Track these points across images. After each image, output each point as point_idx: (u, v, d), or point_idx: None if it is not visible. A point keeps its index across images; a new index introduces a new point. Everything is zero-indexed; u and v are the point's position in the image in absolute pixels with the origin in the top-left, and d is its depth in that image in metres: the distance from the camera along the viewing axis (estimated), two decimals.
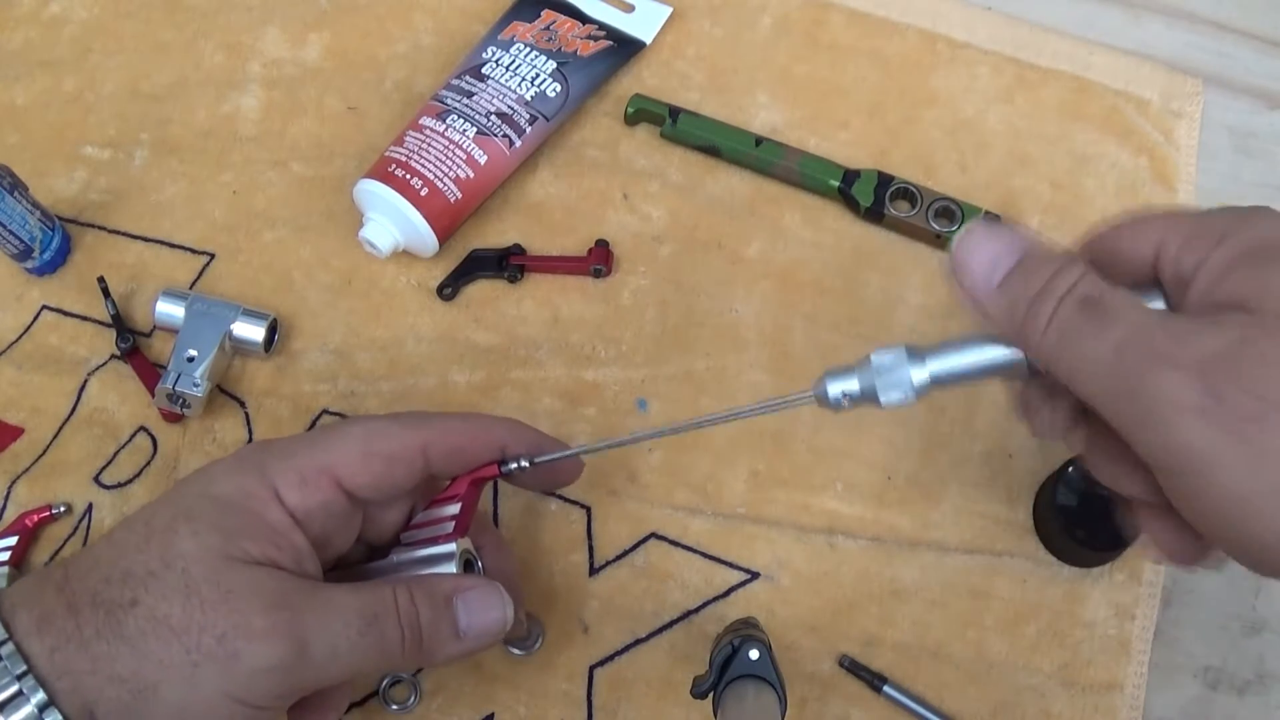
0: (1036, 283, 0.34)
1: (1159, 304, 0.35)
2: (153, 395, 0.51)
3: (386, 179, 0.53)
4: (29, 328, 0.54)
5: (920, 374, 0.37)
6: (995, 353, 0.37)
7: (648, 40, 0.60)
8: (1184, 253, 0.34)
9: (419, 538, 0.42)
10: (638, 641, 0.49)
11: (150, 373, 0.52)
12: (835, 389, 0.38)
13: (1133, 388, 0.31)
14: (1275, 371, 0.30)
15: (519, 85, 0.56)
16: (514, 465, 0.42)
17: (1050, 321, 0.33)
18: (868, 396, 0.38)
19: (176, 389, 0.50)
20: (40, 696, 0.34)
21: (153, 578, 0.36)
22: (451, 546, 0.41)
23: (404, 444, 0.41)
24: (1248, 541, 0.31)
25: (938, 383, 0.37)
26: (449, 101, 0.55)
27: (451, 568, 0.41)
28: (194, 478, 0.40)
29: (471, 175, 0.54)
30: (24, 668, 0.35)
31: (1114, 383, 0.32)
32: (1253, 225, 0.33)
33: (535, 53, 0.57)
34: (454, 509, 0.42)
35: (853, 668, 0.48)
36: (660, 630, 0.49)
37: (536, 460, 0.42)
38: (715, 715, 0.41)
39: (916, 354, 0.37)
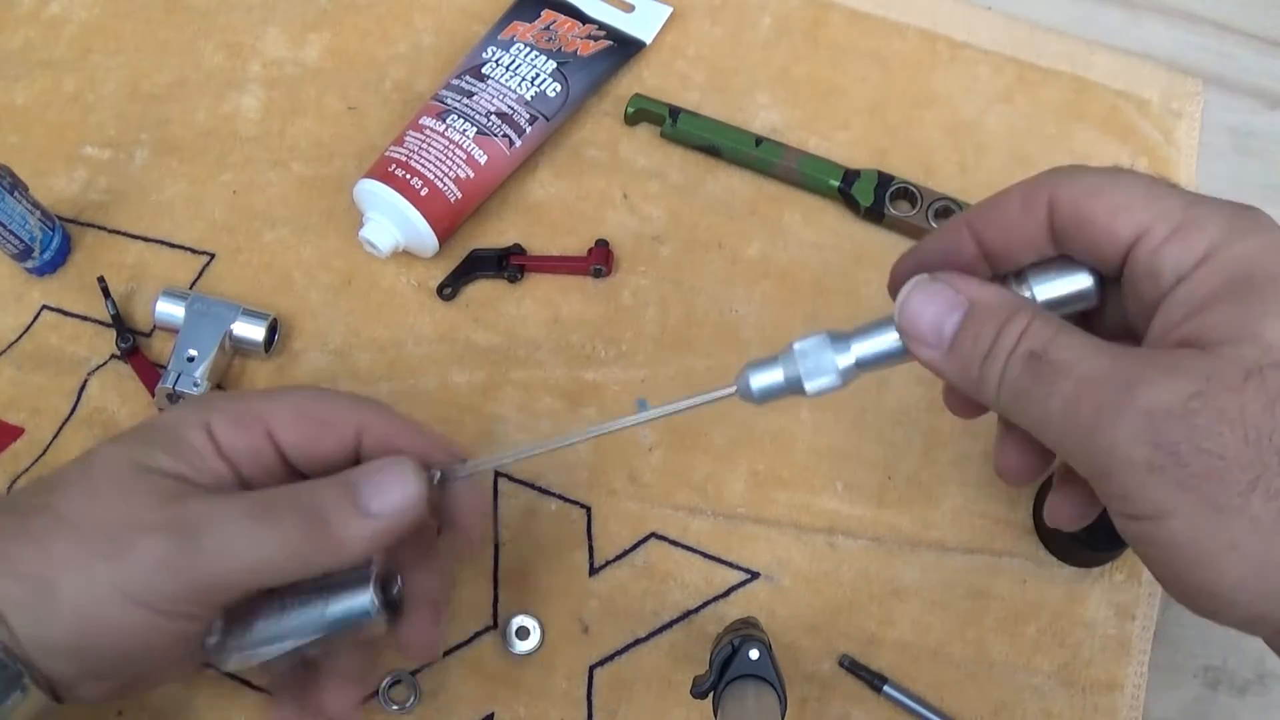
0: (984, 342, 0.33)
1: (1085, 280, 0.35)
2: (153, 395, 0.51)
3: (386, 179, 0.53)
4: (29, 328, 0.54)
5: (845, 359, 0.37)
6: (891, 339, 0.37)
7: (648, 40, 0.60)
8: (1167, 250, 0.32)
9: None
10: (638, 641, 0.49)
11: (150, 373, 0.52)
12: (759, 381, 0.37)
13: (1085, 444, 0.31)
14: (1231, 429, 0.29)
15: (519, 85, 0.56)
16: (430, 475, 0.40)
17: (1001, 382, 0.33)
18: (792, 386, 0.37)
19: (177, 389, 0.50)
20: None
21: (66, 484, 0.37)
22: (368, 570, 0.39)
23: (340, 416, 0.40)
24: (1201, 591, 0.31)
25: (863, 366, 0.37)
26: (449, 101, 0.55)
27: (367, 592, 0.39)
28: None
29: (471, 175, 0.54)
30: None
31: (1067, 439, 0.32)
32: (1243, 239, 0.32)
33: (535, 52, 0.57)
34: None
35: (853, 668, 0.48)
36: (660, 630, 0.49)
37: (443, 475, 0.40)
38: (715, 715, 0.41)
39: (840, 339, 0.37)
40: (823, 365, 0.37)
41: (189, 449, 0.38)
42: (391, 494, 0.38)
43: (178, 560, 0.35)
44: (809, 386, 0.37)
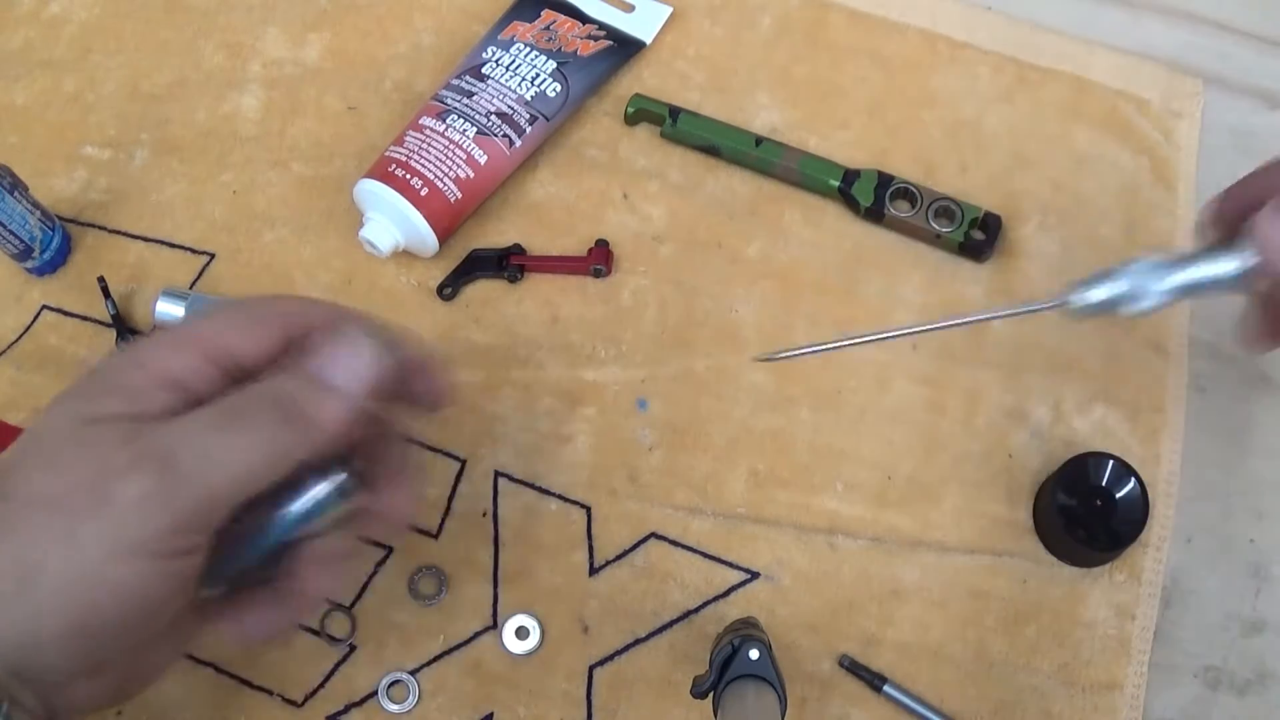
0: None
1: None
2: None
3: (386, 179, 0.53)
4: (29, 328, 0.54)
5: (1173, 282, 0.41)
6: (1227, 265, 0.41)
7: (648, 40, 0.60)
8: None
9: None
10: (638, 641, 0.49)
11: None
12: (1087, 298, 0.42)
13: None
14: None
15: (519, 85, 0.56)
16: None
17: None
18: (1116, 305, 0.41)
19: None
20: None
21: (16, 465, 0.35)
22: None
23: (262, 310, 0.39)
24: None
25: (1187, 292, 0.41)
26: (449, 101, 0.55)
27: (338, 474, 0.38)
28: None
29: (471, 175, 0.54)
30: None
31: None
32: None
33: (535, 52, 0.57)
34: None
35: (853, 668, 0.48)
36: (660, 630, 0.49)
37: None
38: (715, 715, 0.41)
39: (1169, 264, 0.41)
40: (1149, 288, 0.41)
41: (129, 388, 0.36)
42: (352, 363, 0.37)
43: (161, 490, 0.33)
44: (1132, 308, 0.41)
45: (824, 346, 0.45)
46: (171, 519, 0.34)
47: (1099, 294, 0.41)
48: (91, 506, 0.33)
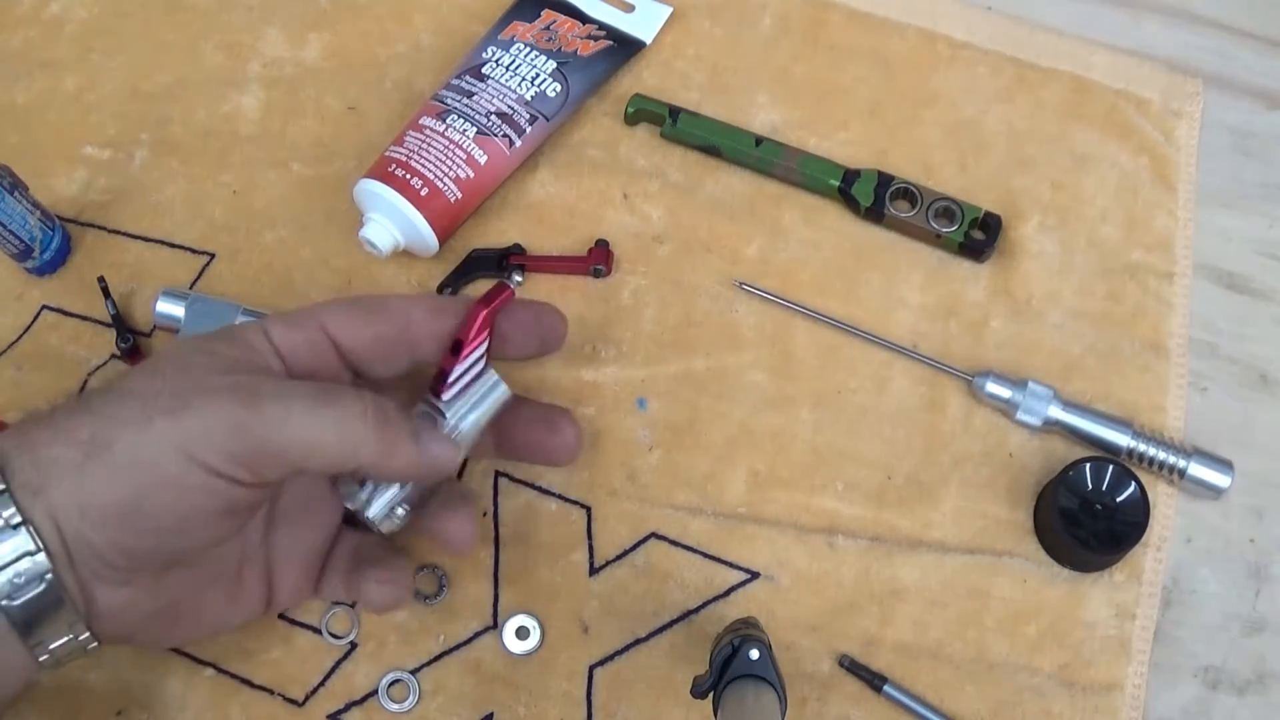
0: None
1: None
2: None
3: (386, 179, 0.53)
4: (29, 328, 0.54)
5: (1055, 412, 0.50)
6: (1107, 433, 0.50)
7: (648, 40, 0.60)
8: None
9: (460, 388, 0.43)
10: (638, 641, 0.49)
11: None
12: (989, 388, 0.51)
13: None
14: None
15: (519, 85, 0.56)
16: (511, 271, 0.45)
17: None
18: (1008, 405, 0.51)
19: None
20: None
21: (131, 372, 0.39)
22: (493, 374, 0.44)
23: (392, 302, 0.43)
24: None
25: (1056, 424, 0.51)
26: (449, 101, 0.55)
27: (504, 388, 0.44)
28: None
29: (471, 175, 0.54)
30: None
31: None
32: None
33: (535, 52, 0.57)
34: (481, 351, 0.43)
35: (853, 668, 0.48)
36: (660, 630, 0.49)
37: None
38: (715, 715, 0.41)
39: (1059, 399, 0.51)
40: (1038, 409, 0.50)
41: (248, 345, 0.40)
42: (439, 448, 0.41)
43: (238, 419, 0.37)
44: (1018, 415, 0.51)
45: (803, 308, 0.53)
46: (237, 447, 0.37)
47: (998, 389, 0.51)
48: (173, 409, 0.37)
